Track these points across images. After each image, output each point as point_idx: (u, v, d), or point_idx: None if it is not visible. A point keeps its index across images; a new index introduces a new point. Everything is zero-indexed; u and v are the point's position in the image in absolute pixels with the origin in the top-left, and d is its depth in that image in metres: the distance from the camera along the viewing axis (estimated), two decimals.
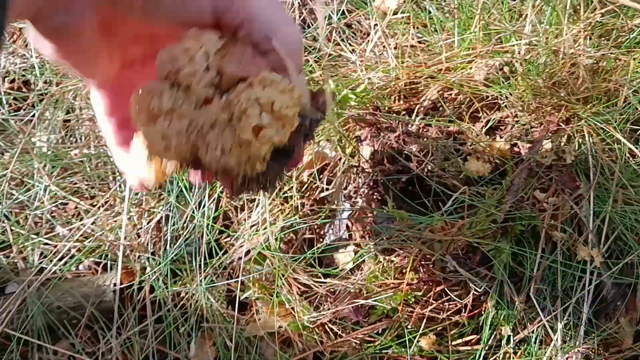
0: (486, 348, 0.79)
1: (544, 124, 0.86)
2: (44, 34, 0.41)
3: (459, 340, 0.80)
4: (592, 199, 0.80)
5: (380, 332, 0.81)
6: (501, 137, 0.89)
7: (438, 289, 0.79)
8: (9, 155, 1.09)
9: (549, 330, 0.78)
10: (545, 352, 0.77)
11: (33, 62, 1.15)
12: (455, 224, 0.81)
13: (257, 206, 0.96)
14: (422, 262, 0.80)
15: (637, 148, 0.82)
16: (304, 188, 0.95)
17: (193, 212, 0.99)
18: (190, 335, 0.90)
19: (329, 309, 0.82)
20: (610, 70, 0.86)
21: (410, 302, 0.80)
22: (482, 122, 0.91)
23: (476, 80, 0.89)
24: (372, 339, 0.81)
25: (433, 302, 0.80)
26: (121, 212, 1.00)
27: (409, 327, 0.79)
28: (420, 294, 0.80)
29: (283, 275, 0.86)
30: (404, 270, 0.80)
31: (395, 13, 1.00)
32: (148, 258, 0.97)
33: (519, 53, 0.90)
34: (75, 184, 1.06)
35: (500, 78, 0.89)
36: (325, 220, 0.91)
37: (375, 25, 0.99)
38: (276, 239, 0.90)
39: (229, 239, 0.95)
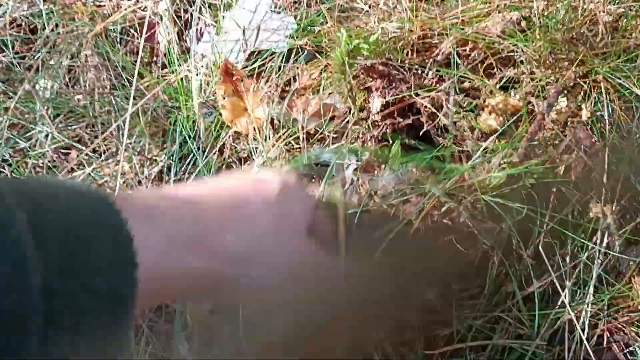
0: (492, 304, 0.77)
1: (559, 80, 0.84)
2: None
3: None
4: (607, 156, 0.78)
5: None
6: (515, 94, 0.86)
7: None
8: (11, 100, 1.07)
9: (558, 287, 0.76)
10: (553, 309, 0.75)
11: (40, 8, 1.13)
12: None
13: (259, 156, 0.94)
14: (430, 212, 0.77)
15: None
16: (311, 140, 0.93)
17: (196, 161, 0.97)
18: None
19: None
20: (631, 27, 0.84)
21: None
22: (496, 78, 0.88)
23: (492, 33, 0.86)
24: None
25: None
26: (123, 159, 0.99)
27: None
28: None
29: None
30: (412, 220, 0.78)
31: None
32: None
33: (538, 8, 0.88)
34: (77, 131, 1.05)
35: (517, 32, 0.87)
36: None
37: None
38: None
39: None
